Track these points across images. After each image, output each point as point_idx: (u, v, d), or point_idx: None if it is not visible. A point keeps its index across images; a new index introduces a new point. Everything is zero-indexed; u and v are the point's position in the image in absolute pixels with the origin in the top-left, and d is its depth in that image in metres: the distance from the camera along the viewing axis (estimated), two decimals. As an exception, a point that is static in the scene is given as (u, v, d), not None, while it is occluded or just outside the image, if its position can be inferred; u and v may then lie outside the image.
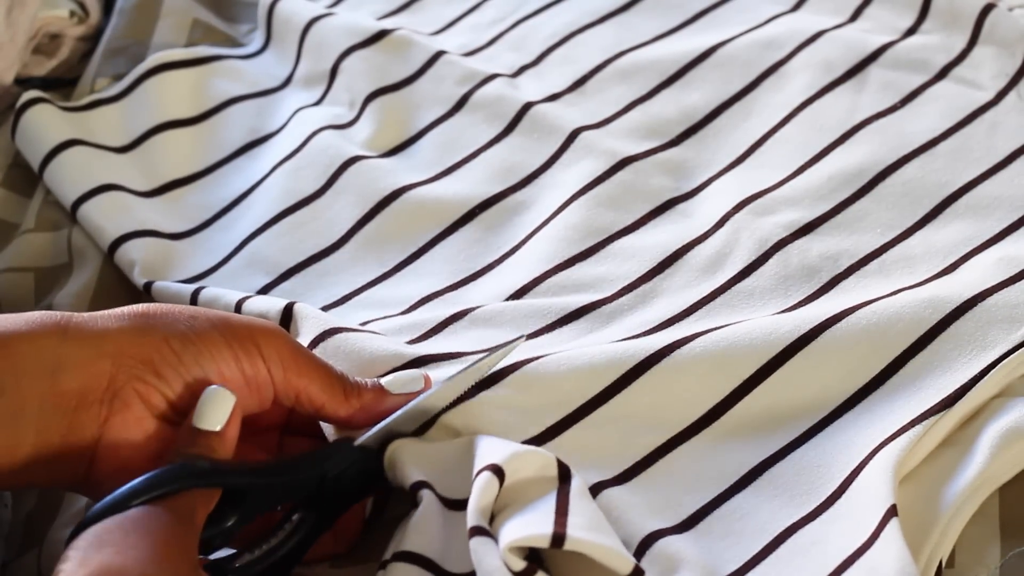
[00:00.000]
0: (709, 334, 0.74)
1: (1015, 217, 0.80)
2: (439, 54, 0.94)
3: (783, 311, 0.77)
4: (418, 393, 0.70)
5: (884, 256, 0.79)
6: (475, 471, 0.65)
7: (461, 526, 0.65)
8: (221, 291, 0.80)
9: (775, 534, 0.67)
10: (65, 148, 0.91)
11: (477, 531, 0.63)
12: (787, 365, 0.73)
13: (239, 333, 0.67)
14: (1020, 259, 0.77)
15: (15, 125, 0.93)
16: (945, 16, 0.91)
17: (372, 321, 0.79)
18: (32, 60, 0.99)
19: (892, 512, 0.65)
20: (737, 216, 0.82)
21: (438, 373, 0.72)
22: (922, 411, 0.70)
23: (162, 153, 0.92)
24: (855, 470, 0.68)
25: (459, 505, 0.67)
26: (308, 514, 0.67)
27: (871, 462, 0.68)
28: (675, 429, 0.72)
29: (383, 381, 0.70)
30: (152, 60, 0.96)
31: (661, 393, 0.72)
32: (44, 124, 0.93)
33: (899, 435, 0.69)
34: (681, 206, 0.84)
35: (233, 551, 0.66)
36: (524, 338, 0.73)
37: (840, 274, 0.79)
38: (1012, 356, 0.72)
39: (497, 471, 0.65)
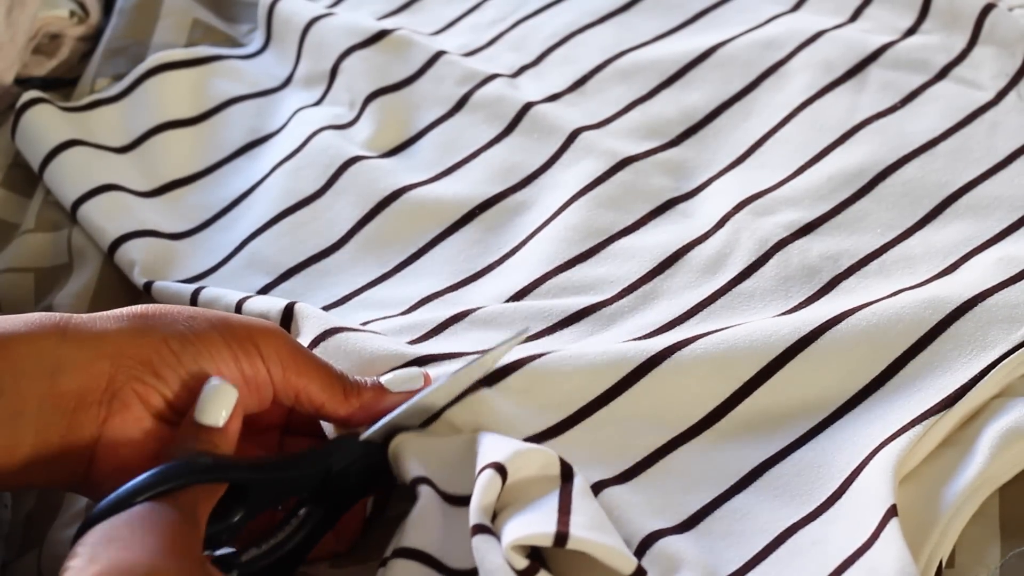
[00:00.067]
0: (710, 336, 0.74)
1: (1015, 217, 0.80)
2: (439, 54, 0.94)
3: (784, 313, 0.77)
4: (419, 390, 0.70)
5: (884, 256, 0.79)
6: (477, 468, 0.65)
7: (462, 522, 0.65)
8: (221, 291, 0.80)
9: (775, 534, 0.67)
10: (65, 148, 0.91)
11: (479, 529, 0.63)
12: (788, 367, 0.73)
13: (238, 333, 0.67)
14: (1020, 259, 0.77)
15: (15, 125, 0.93)
16: (945, 16, 0.91)
17: (372, 321, 0.79)
18: (32, 60, 0.99)
19: (892, 512, 0.65)
20: (737, 216, 0.82)
21: (438, 372, 0.72)
22: (922, 411, 0.70)
23: (162, 153, 0.92)
24: (855, 470, 0.68)
25: (460, 501, 0.67)
26: (314, 509, 0.67)
27: (871, 462, 0.68)
28: (676, 429, 0.72)
29: (383, 379, 0.70)
30: (152, 60, 0.96)
31: (662, 394, 0.72)
32: (44, 124, 0.93)
33: (899, 435, 0.69)
34: (681, 206, 0.84)
35: (233, 549, 0.66)
36: (528, 331, 0.73)
37: (840, 274, 0.79)
38: (1012, 356, 0.72)
39: (500, 469, 0.65)
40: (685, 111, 0.89)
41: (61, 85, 0.99)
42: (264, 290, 0.84)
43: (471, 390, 0.71)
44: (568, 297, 0.79)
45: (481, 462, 0.65)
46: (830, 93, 0.89)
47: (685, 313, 0.78)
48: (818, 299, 0.77)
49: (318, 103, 0.95)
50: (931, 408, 0.70)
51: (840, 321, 0.73)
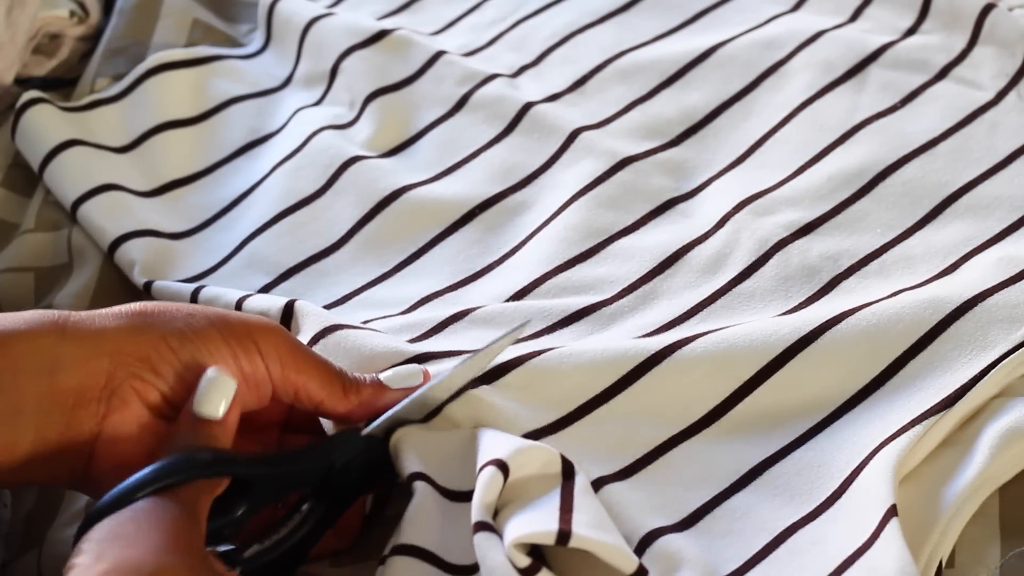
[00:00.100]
0: (710, 335, 0.74)
1: (1015, 217, 0.80)
2: (439, 54, 0.94)
3: (784, 313, 0.77)
4: (418, 387, 0.70)
5: (884, 256, 0.79)
6: (479, 465, 0.65)
7: (461, 518, 0.65)
8: (221, 290, 0.80)
9: (775, 534, 0.67)
10: (65, 148, 0.91)
11: (481, 527, 0.63)
12: (788, 366, 0.73)
13: (237, 330, 0.67)
14: (1020, 259, 0.77)
15: (15, 125, 0.93)
16: (945, 16, 0.91)
17: (372, 321, 0.79)
18: (32, 60, 0.99)
19: (892, 512, 0.65)
20: (737, 216, 0.82)
21: (438, 369, 0.72)
22: (922, 411, 0.70)
23: (162, 153, 0.92)
24: (855, 470, 0.68)
25: (460, 496, 0.67)
26: (317, 505, 0.67)
27: (871, 462, 0.68)
28: (677, 427, 0.72)
29: (382, 376, 0.70)
30: (152, 60, 0.96)
31: (662, 392, 0.72)
32: (44, 124, 0.93)
33: (899, 435, 0.69)
34: (681, 206, 0.84)
35: (234, 546, 0.66)
36: (530, 323, 0.73)
37: (840, 274, 0.79)
38: (1012, 356, 0.72)
39: (501, 466, 0.65)
40: (685, 111, 0.89)
41: (61, 85, 0.99)
42: (264, 290, 0.84)
43: (471, 386, 0.71)
44: (568, 297, 0.79)
45: (482, 459, 0.65)
46: (830, 93, 0.89)
47: (685, 313, 0.78)
48: (818, 299, 0.77)
49: (318, 103, 0.95)
50: (931, 408, 0.70)
51: (840, 321, 0.74)
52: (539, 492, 0.65)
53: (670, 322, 0.77)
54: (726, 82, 0.90)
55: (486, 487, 0.64)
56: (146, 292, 0.84)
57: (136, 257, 0.85)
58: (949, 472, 0.69)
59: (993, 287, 0.75)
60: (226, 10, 1.04)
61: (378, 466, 0.69)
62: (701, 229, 0.82)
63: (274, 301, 0.78)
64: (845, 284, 0.78)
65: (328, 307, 0.81)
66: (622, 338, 0.76)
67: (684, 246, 0.81)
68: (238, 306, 0.78)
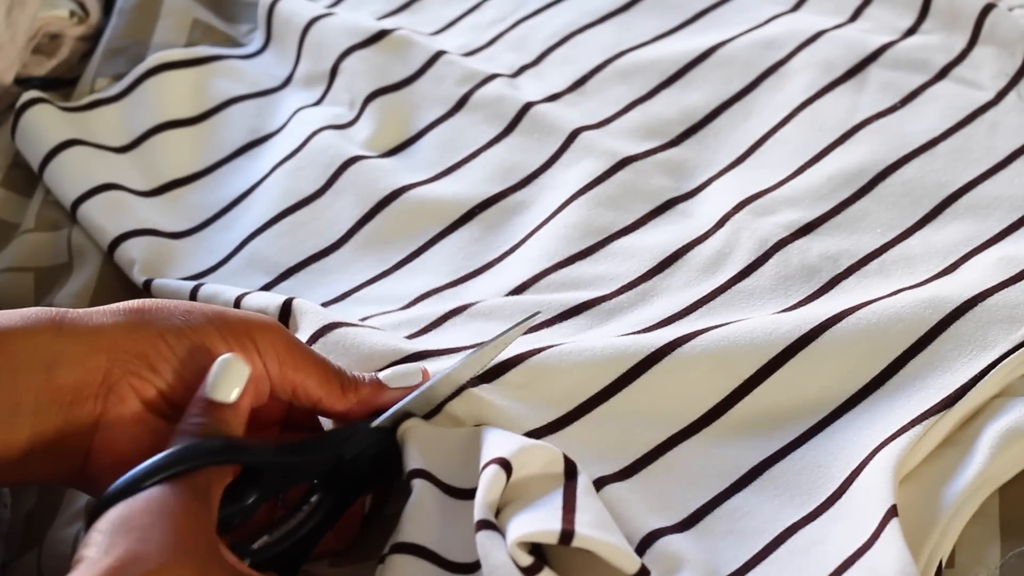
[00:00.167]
0: (710, 332, 0.74)
1: (1015, 217, 0.80)
2: (439, 54, 0.94)
3: (783, 311, 0.77)
4: (418, 386, 0.70)
5: (884, 256, 0.79)
6: (482, 464, 0.65)
7: (462, 516, 0.65)
8: (220, 287, 0.81)
9: (775, 534, 0.67)
10: (65, 148, 0.91)
11: (484, 525, 0.63)
12: (788, 365, 0.73)
13: (235, 327, 0.67)
14: (1020, 259, 0.77)
15: (15, 125, 0.93)
16: (945, 16, 0.91)
17: (371, 317, 0.79)
18: (32, 60, 0.99)
19: (892, 512, 0.65)
20: (737, 216, 0.82)
21: (437, 367, 0.72)
22: (922, 411, 0.70)
23: (162, 153, 0.92)
24: (855, 470, 0.68)
25: (462, 494, 0.67)
26: (326, 496, 0.67)
27: (871, 462, 0.68)
28: (676, 426, 0.72)
29: (381, 375, 0.70)
30: (152, 60, 0.96)
31: (662, 391, 0.72)
32: (44, 124, 0.93)
33: (899, 435, 0.69)
34: (681, 206, 0.84)
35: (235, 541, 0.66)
36: (540, 314, 0.73)
37: (840, 274, 0.79)
38: (1012, 356, 0.72)
39: (505, 465, 0.65)
40: (685, 111, 0.89)
41: (61, 85, 0.99)
42: (264, 289, 0.84)
43: (471, 384, 0.71)
44: (567, 292, 0.79)
45: (485, 457, 0.66)
46: (830, 93, 0.89)
47: (684, 309, 0.78)
48: (818, 298, 0.77)
49: (318, 103, 0.95)
50: (931, 408, 0.70)
51: (840, 320, 0.73)
52: (542, 491, 0.65)
53: (669, 317, 0.77)
54: (726, 82, 0.90)
55: (489, 486, 0.64)
56: (146, 291, 0.84)
57: (136, 256, 0.85)
58: (949, 472, 0.69)
59: (993, 287, 0.75)
60: (226, 10, 1.04)
61: (387, 459, 0.69)
62: (701, 229, 0.82)
63: (272, 299, 0.78)
64: (845, 284, 0.78)
65: (327, 304, 0.81)
66: (621, 334, 0.76)
67: (684, 246, 0.81)
68: (237, 304, 0.78)
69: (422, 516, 0.66)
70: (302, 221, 0.87)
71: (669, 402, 0.72)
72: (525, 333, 0.74)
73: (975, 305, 0.74)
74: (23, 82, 0.98)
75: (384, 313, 0.80)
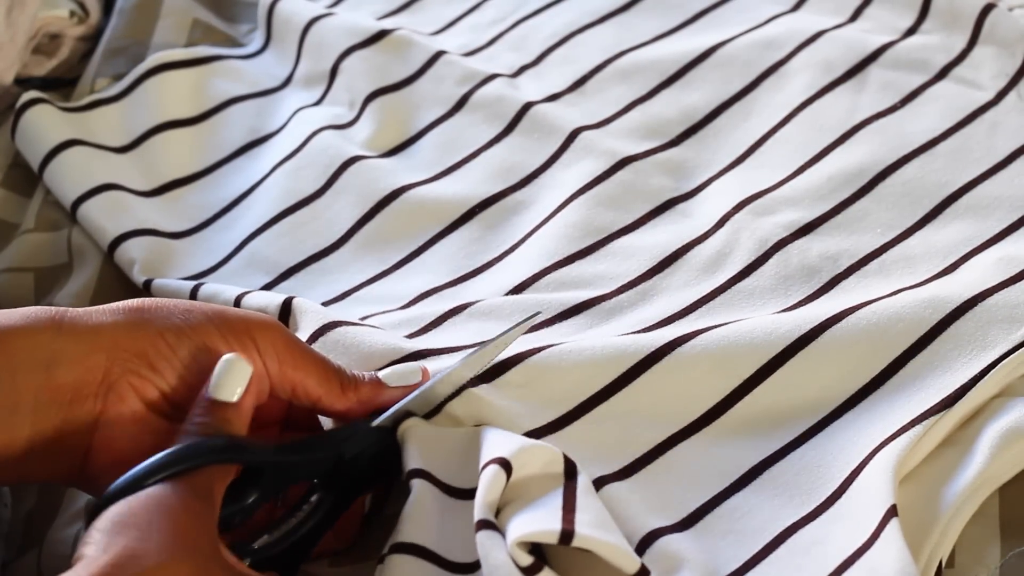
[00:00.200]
0: (710, 332, 0.74)
1: (1015, 217, 0.80)
2: (439, 54, 0.94)
3: (783, 311, 0.77)
4: (417, 385, 0.70)
5: (884, 256, 0.79)
6: (482, 464, 0.65)
7: (462, 515, 0.65)
8: (220, 287, 0.81)
9: (775, 534, 0.67)
10: (65, 148, 0.91)
11: (484, 525, 0.63)
12: (788, 364, 0.73)
13: (234, 326, 0.67)
14: (1020, 259, 0.77)
15: (15, 125, 0.93)
16: (945, 16, 0.91)
17: (370, 316, 0.79)
18: (32, 60, 0.99)
19: (892, 512, 0.64)
20: (737, 216, 0.82)
21: (437, 366, 0.72)
22: (922, 411, 0.70)
23: (162, 153, 0.92)
24: (855, 470, 0.68)
25: (461, 494, 0.67)
26: (326, 496, 0.67)
27: (871, 462, 0.68)
28: (676, 426, 0.72)
29: (380, 374, 0.70)
30: (152, 60, 0.96)
31: (662, 390, 0.72)
32: (44, 124, 0.93)
33: (899, 435, 0.69)
34: (681, 206, 0.84)
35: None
36: (540, 314, 0.73)
37: (840, 274, 0.79)
38: (1012, 356, 0.72)
39: (505, 465, 0.65)
40: (685, 111, 0.89)
41: (61, 85, 0.99)
42: (264, 289, 0.84)
43: (471, 384, 0.71)
44: (567, 291, 0.79)
45: (485, 457, 0.66)
46: (830, 93, 0.89)
47: (684, 309, 0.78)
48: (817, 298, 0.77)
49: (318, 103, 0.95)
50: (931, 408, 0.70)
51: (840, 319, 0.73)
52: (541, 491, 0.65)
53: (669, 317, 0.77)
54: (726, 82, 0.90)
55: (489, 486, 0.64)
56: (146, 291, 0.84)
57: (136, 256, 0.85)
58: (949, 472, 0.69)
59: (993, 287, 0.75)
60: (226, 10, 1.04)
61: (387, 458, 0.69)
62: (701, 229, 0.82)
63: (272, 298, 0.78)
64: (845, 284, 0.78)
65: (327, 303, 0.81)
66: (621, 333, 0.76)
67: (684, 246, 0.81)
68: (237, 303, 0.78)
69: (422, 516, 0.66)
70: (302, 221, 0.87)
71: (669, 402, 0.72)
72: (525, 333, 0.74)
73: (975, 305, 0.74)
74: (23, 82, 0.98)
75: (384, 312, 0.80)
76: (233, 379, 0.65)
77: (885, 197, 0.83)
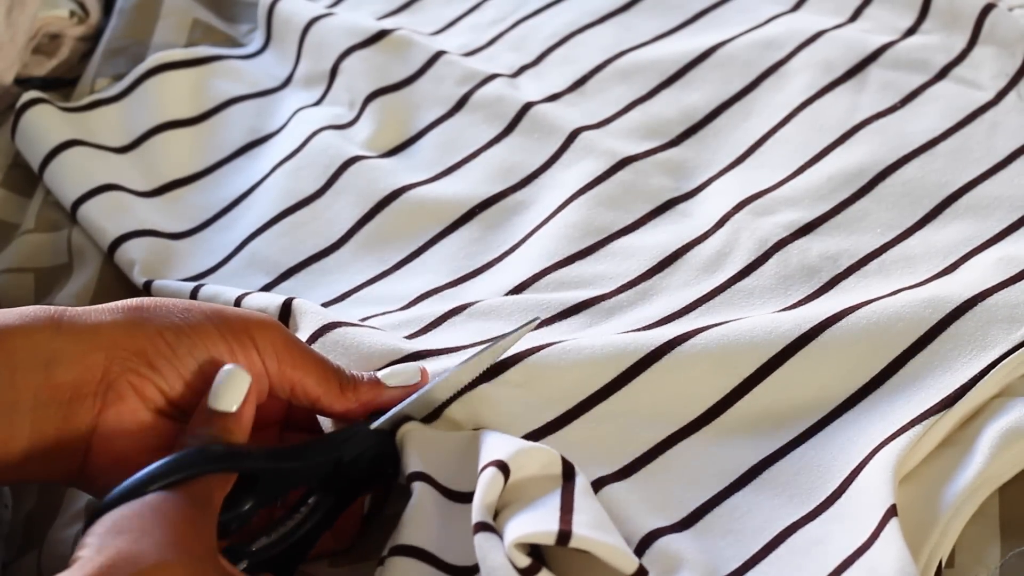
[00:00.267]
0: (710, 331, 0.74)
1: (1015, 217, 0.80)
2: (439, 54, 0.94)
3: (783, 310, 0.77)
4: (417, 385, 0.70)
5: (884, 256, 0.79)
6: (480, 466, 0.65)
7: (462, 518, 0.65)
8: (220, 287, 0.81)
9: (775, 533, 0.67)
10: (65, 148, 0.91)
11: (482, 527, 0.63)
12: (787, 364, 0.73)
13: (234, 325, 0.67)
14: (1020, 259, 0.77)
15: (15, 125, 0.93)
16: (945, 16, 0.91)
17: (371, 317, 0.79)
18: (32, 60, 0.99)
19: (892, 512, 0.64)
20: (737, 216, 0.82)
21: (436, 367, 0.72)
22: (922, 411, 0.70)
23: (162, 153, 0.92)
24: (855, 470, 0.68)
25: (460, 497, 0.67)
26: (324, 497, 0.67)
27: (871, 462, 0.68)
28: (676, 425, 0.72)
29: (380, 375, 0.70)
30: (152, 60, 0.96)
31: (662, 390, 0.72)
32: (44, 124, 0.93)
33: (899, 435, 0.69)
34: (681, 206, 0.84)
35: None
36: (539, 319, 0.73)
37: (840, 274, 0.79)
38: (1012, 356, 0.72)
39: (502, 467, 0.65)
40: (685, 111, 0.89)
41: (61, 85, 0.99)
42: (264, 290, 0.84)
43: (471, 385, 0.71)
44: (567, 291, 0.79)
45: (483, 460, 0.66)
46: (830, 93, 0.89)
47: (684, 308, 0.78)
48: (817, 298, 0.77)
49: (318, 103, 0.95)
50: (931, 408, 0.70)
51: (840, 319, 0.73)
52: (539, 493, 0.65)
53: (669, 316, 0.77)
54: (726, 82, 0.90)
55: (487, 488, 0.64)
56: (146, 291, 0.84)
57: (136, 257, 0.85)
58: (949, 472, 0.69)
59: (993, 287, 0.75)
60: (226, 10, 1.04)
61: (385, 461, 0.69)
62: (701, 229, 0.82)
63: (272, 299, 0.78)
64: (845, 284, 0.78)
65: (327, 304, 0.81)
66: (621, 332, 0.76)
67: (684, 246, 0.81)
68: (237, 304, 0.78)
69: (421, 518, 0.66)
70: (302, 221, 0.87)
71: (668, 401, 0.72)
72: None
73: (975, 305, 0.74)
74: (23, 82, 0.98)
75: (384, 313, 0.80)
76: (232, 389, 0.66)
77: (885, 197, 0.83)
